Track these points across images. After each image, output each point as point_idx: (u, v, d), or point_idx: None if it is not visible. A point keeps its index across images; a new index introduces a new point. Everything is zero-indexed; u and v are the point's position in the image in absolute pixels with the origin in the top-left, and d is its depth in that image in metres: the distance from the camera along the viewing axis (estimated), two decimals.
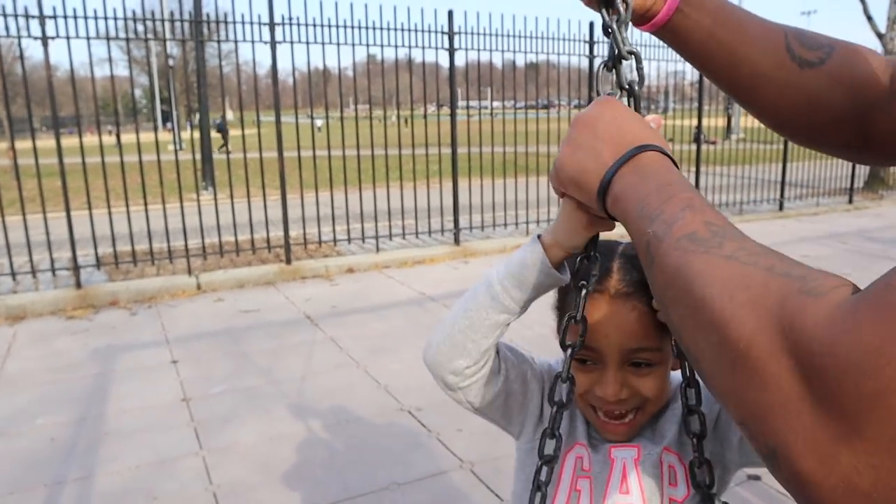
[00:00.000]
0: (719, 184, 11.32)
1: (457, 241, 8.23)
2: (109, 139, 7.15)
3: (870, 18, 12.96)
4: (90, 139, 6.89)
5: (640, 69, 0.80)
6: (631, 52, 0.79)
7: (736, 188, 11.09)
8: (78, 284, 6.50)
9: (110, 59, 6.64)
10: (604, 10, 0.79)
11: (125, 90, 28.25)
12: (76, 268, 6.50)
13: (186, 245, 6.95)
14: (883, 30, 12.87)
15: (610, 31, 0.79)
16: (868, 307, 0.40)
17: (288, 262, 7.27)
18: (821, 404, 0.40)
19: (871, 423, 0.38)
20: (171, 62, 26.08)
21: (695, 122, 10.41)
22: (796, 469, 0.41)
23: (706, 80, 10.12)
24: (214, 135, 20.33)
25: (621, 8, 0.78)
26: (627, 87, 0.81)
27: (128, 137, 7.24)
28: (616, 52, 0.79)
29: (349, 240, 7.82)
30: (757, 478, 3.16)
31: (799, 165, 11.35)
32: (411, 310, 5.86)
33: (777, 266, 0.49)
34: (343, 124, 7.47)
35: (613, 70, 0.81)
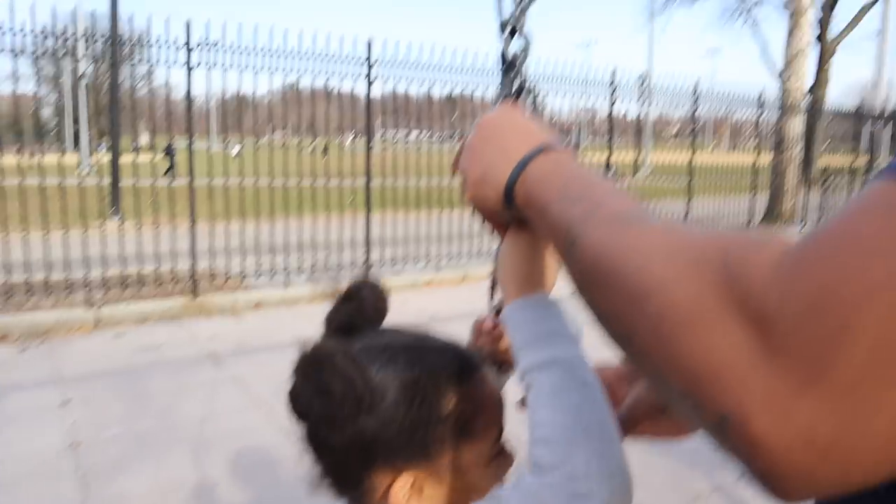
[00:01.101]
0: None
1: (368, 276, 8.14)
2: (9, 161, 6.76)
3: (767, 59, 13.89)
4: None
5: (538, 105, 0.81)
6: (530, 90, 0.80)
7: None
8: None
9: (16, 75, 6.40)
10: (509, 43, 0.79)
11: (32, 108, 27.06)
12: None
13: (87, 276, 6.66)
14: (780, 68, 13.83)
15: (512, 63, 0.79)
16: (816, 248, 0.39)
17: (195, 295, 7.07)
18: (777, 355, 0.38)
19: (834, 363, 0.36)
20: (83, 81, 25.17)
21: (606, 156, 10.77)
22: (749, 432, 0.38)
23: (615, 115, 10.61)
24: (134, 159, 19.68)
25: (524, 43, 0.78)
26: None
27: (35, 160, 6.89)
28: (519, 86, 0.79)
29: (258, 274, 7.68)
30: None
31: (702, 200, 11.88)
32: None
33: (713, 231, 0.47)
34: (257, 152, 7.37)
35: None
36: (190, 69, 6.83)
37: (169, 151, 18.48)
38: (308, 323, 6.36)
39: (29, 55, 6.59)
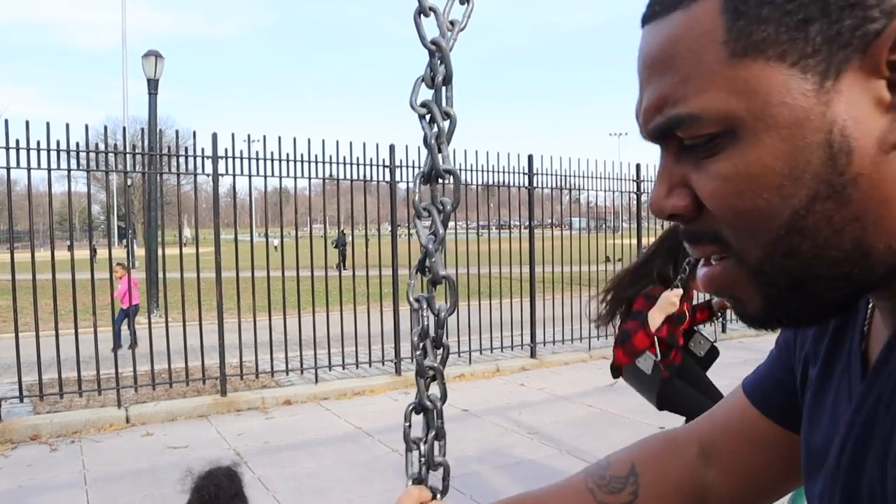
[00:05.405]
0: None
1: (398, 370, 8.14)
2: (41, 255, 6.97)
3: None
4: (23, 255, 6.83)
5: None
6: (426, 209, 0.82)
7: None
8: None
9: (70, 191, 6.82)
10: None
11: (83, 206, 28.30)
12: None
13: (117, 375, 6.73)
14: None
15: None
16: None
17: (223, 393, 7.07)
18: None
19: None
20: (129, 181, 26.34)
21: (645, 240, 10.73)
22: None
23: (644, 199, 10.66)
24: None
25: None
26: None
27: (79, 253, 7.08)
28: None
29: (287, 371, 7.67)
30: None
31: None
32: (346, 446, 5.68)
33: None
34: (298, 244, 7.56)
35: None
36: (216, 179, 7.15)
37: (339, 244, 18.33)
38: (336, 419, 6.30)
39: (81, 171, 6.94)
